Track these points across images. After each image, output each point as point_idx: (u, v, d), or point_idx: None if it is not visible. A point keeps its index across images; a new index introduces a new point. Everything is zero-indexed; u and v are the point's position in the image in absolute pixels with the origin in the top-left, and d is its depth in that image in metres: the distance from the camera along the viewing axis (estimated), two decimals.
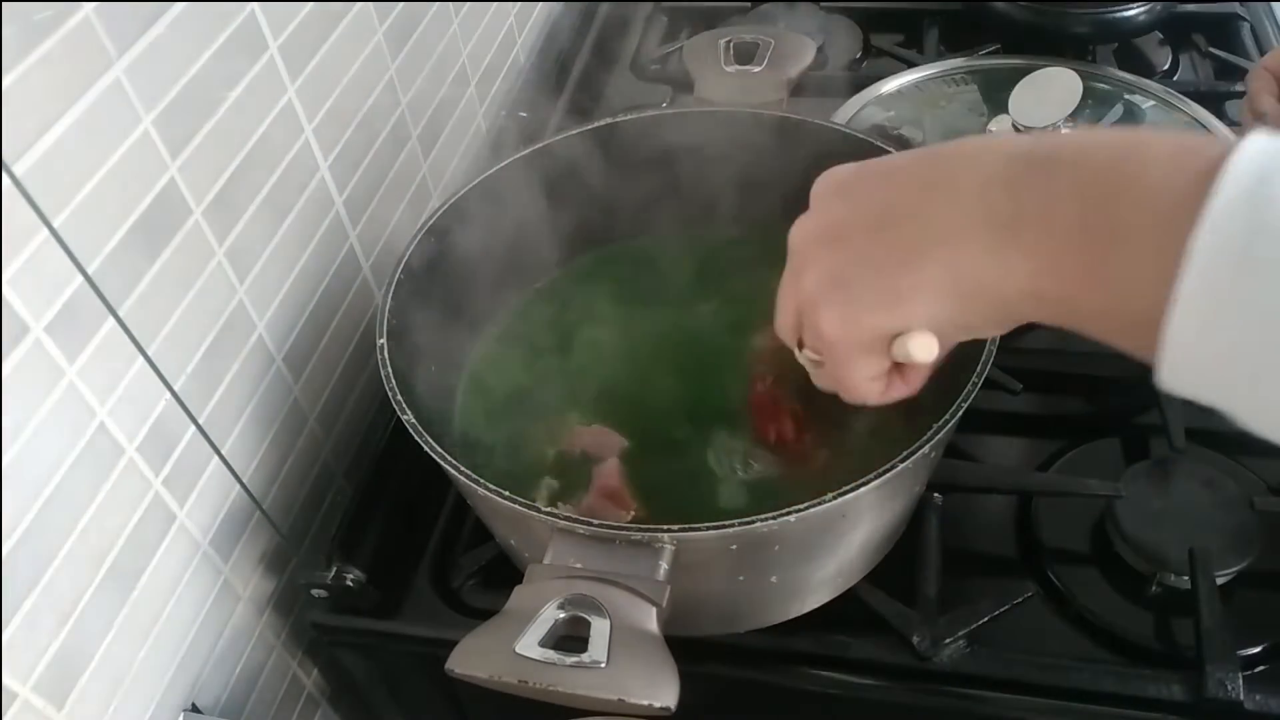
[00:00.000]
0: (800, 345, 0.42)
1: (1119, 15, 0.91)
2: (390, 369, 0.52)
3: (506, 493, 0.46)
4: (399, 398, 0.50)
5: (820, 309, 0.37)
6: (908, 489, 0.54)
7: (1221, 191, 0.27)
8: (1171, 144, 0.30)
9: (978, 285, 0.33)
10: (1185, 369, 0.29)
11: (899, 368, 0.39)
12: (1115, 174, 0.30)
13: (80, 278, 0.44)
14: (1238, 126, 0.76)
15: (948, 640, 0.54)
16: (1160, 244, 0.28)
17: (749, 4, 1.04)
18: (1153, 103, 0.79)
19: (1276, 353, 0.27)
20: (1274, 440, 0.29)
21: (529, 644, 0.42)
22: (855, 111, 0.81)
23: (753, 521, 0.43)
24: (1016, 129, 0.74)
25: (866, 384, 0.39)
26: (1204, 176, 0.27)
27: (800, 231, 0.39)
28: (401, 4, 0.70)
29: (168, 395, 0.51)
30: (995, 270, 0.32)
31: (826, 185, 0.39)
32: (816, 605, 0.55)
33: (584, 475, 0.57)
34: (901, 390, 0.40)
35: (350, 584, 0.59)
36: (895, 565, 0.57)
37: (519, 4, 0.94)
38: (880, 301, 0.36)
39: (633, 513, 0.54)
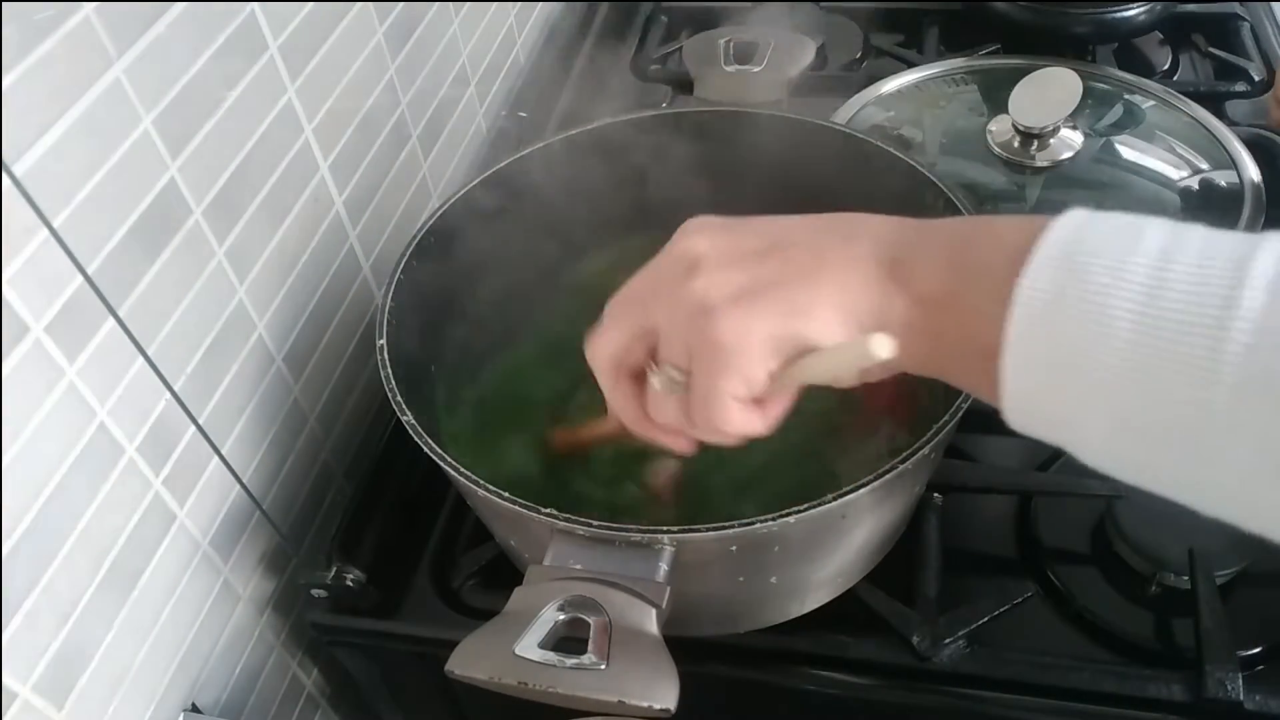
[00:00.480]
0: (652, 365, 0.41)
1: (1119, 15, 0.91)
2: (390, 369, 0.52)
3: (506, 493, 0.46)
4: (399, 398, 0.50)
5: (717, 314, 0.37)
6: (908, 489, 0.54)
7: (1040, 249, 0.31)
8: (1021, 216, 0.34)
9: (865, 311, 0.36)
10: (1019, 408, 0.33)
11: (757, 402, 0.39)
12: (976, 226, 0.36)
13: (80, 278, 0.44)
14: (1238, 126, 0.76)
15: (948, 640, 0.54)
16: (1003, 284, 0.32)
17: (749, 4, 1.04)
18: (1152, 103, 0.79)
19: (1081, 386, 0.31)
20: (1114, 477, 0.33)
21: (529, 645, 0.42)
22: (855, 111, 0.81)
23: (752, 522, 0.43)
24: (1016, 129, 0.74)
25: (733, 406, 0.38)
26: (1039, 234, 0.32)
27: (684, 246, 0.39)
28: (401, 4, 0.70)
29: (168, 395, 0.51)
30: (879, 298, 0.36)
31: (700, 221, 0.41)
32: (816, 605, 0.55)
33: None
34: (757, 424, 0.39)
35: (350, 584, 0.59)
36: (895, 565, 0.57)
37: (519, 4, 0.94)
38: (782, 311, 0.36)
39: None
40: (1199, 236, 0.30)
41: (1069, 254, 0.31)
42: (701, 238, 0.39)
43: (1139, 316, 0.29)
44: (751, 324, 0.36)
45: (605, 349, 0.42)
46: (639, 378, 0.42)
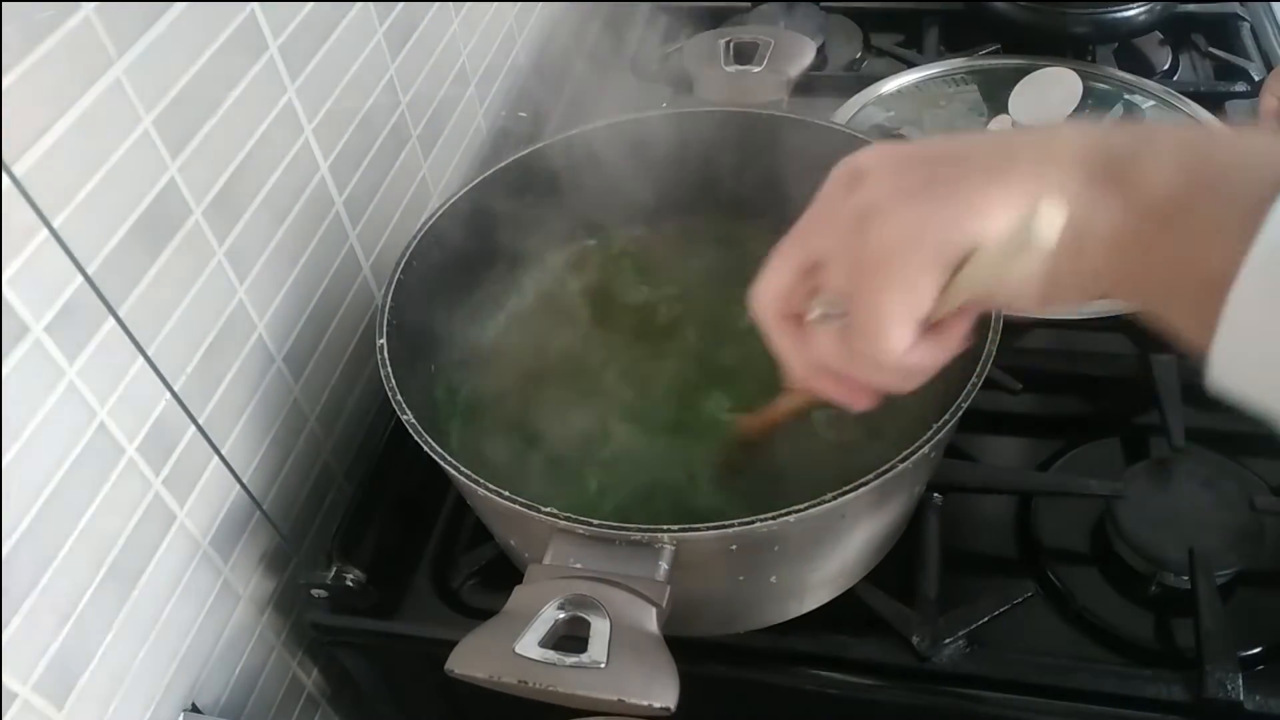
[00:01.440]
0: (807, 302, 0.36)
1: (1119, 15, 0.91)
2: (390, 369, 0.52)
3: (506, 492, 0.46)
4: (399, 398, 0.50)
5: (881, 216, 0.32)
6: (908, 489, 0.54)
7: None
8: (1268, 135, 0.30)
9: (1058, 212, 0.30)
10: (1236, 352, 0.28)
11: (929, 331, 0.34)
12: (1215, 137, 0.31)
13: (80, 278, 0.44)
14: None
15: (947, 640, 0.54)
16: (1250, 210, 0.27)
17: (749, 4, 1.04)
18: (1153, 103, 0.79)
19: None
20: None
21: (528, 644, 0.42)
22: (855, 111, 0.81)
23: (753, 521, 0.43)
24: (1017, 129, 0.74)
25: (896, 328, 0.33)
26: None
27: (847, 167, 0.34)
28: (401, 4, 0.70)
29: (168, 395, 0.51)
30: (1083, 200, 0.30)
31: (859, 152, 0.35)
32: (816, 605, 0.55)
33: None
34: (926, 355, 0.34)
35: (350, 584, 0.59)
36: (895, 565, 0.57)
37: (519, 4, 0.94)
38: (956, 209, 0.31)
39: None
40: None
41: None
42: (866, 155, 0.34)
43: None
44: (918, 225, 0.31)
45: (767, 292, 0.37)
46: (808, 328, 0.37)
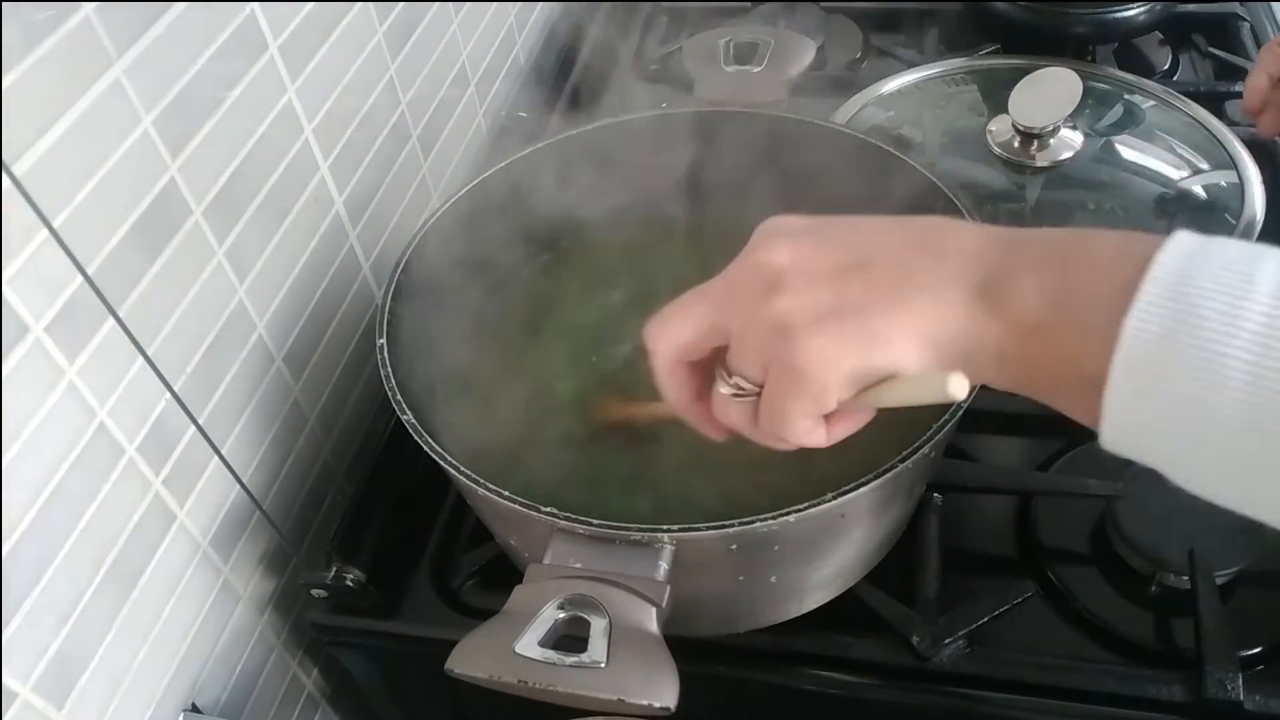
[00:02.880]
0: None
1: (1119, 15, 0.91)
2: (390, 369, 0.52)
3: (506, 492, 0.46)
4: (399, 398, 0.50)
5: (797, 338, 0.36)
6: (908, 489, 0.54)
7: (1148, 285, 0.30)
8: (1117, 235, 0.33)
9: (952, 339, 0.35)
10: (1121, 437, 0.32)
11: (826, 416, 0.39)
12: (1073, 247, 0.34)
13: (80, 278, 0.44)
14: (1238, 126, 0.76)
15: (947, 640, 0.54)
16: (1107, 316, 0.31)
17: (749, 4, 1.04)
18: (1152, 103, 0.79)
19: (1193, 430, 0.30)
20: (1206, 499, 0.33)
21: (529, 644, 0.42)
22: (855, 111, 0.81)
23: (753, 521, 0.43)
24: (1016, 129, 0.74)
25: (801, 423, 0.38)
26: (1142, 262, 0.31)
27: (765, 255, 0.38)
28: (401, 4, 0.71)
29: (168, 395, 0.51)
30: (969, 326, 0.34)
31: (780, 225, 0.39)
32: (816, 605, 0.55)
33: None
34: (820, 437, 0.39)
35: (350, 584, 0.59)
36: (895, 565, 0.57)
37: (519, 4, 0.94)
38: (864, 341, 0.35)
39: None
40: None
41: (1179, 293, 0.30)
42: (784, 248, 0.38)
43: (1254, 369, 0.28)
44: (832, 353, 0.36)
45: (671, 339, 0.41)
46: (694, 368, 0.42)
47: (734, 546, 0.46)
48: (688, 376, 0.42)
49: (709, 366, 0.41)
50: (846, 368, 0.36)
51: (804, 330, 0.36)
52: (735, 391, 0.39)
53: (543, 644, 0.42)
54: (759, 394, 0.39)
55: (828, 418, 0.39)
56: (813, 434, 0.39)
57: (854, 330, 0.35)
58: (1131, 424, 0.31)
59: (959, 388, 0.34)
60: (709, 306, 0.40)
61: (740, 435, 0.41)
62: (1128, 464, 0.60)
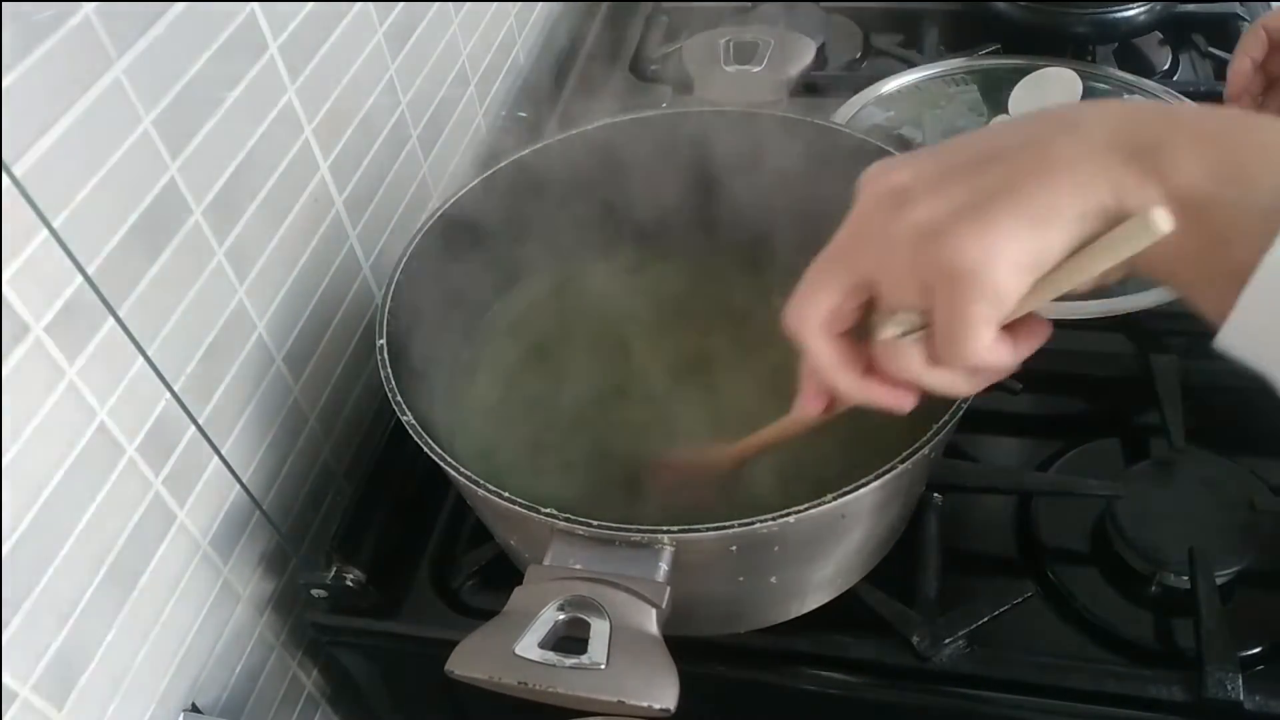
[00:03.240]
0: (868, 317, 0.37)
1: (1119, 15, 0.91)
2: (390, 369, 0.52)
3: (506, 493, 0.46)
4: (399, 398, 0.50)
5: (948, 236, 0.32)
6: (908, 489, 0.54)
7: None
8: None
9: (1117, 205, 0.31)
10: (1243, 338, 0.30)
11: (1005, 330, 0.35)
12: (1236, 126, 0.31)
13: (80, 278, 0.44)
14: None
15: (947, 640, 0.54)
16: (1273, 200, 0.28)
17: (749, 4, 1.04)
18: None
19: None
20: None
21: (529, 645, 0.42)
22: (855, 111, 0.81)
23: (753, 522, 0.43)
24: None
25: (986, 334, 0.34)
26: None
27: (881, 184, 0.35)
28: (401, 4, 0.70)
29: (168, 395, 0.51)
30: (1126, 194, 0.31)
31: (883, 162, 0.36)
32: (816, 605, 0.55)
33: None
34: (1008, 354, 0.35)
35: (350, 584, 0.59)
36: (895, 565, 0.57)
37: (519, 4, 0.94)
38: (1024, 221, 0.32)
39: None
40: None
41: None
42: (898, 170, 0.35)
43: None
44: (994, 241, 0.32)
45: (816, 313, 0.37)
46: (850, 341, 0.38)
47: (734, 547, 0.46)
48: (848, 351, 0.38)
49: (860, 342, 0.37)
50: (1016, 253, 0.32)
51: (955, 228, 0.32)
52: (903, 329, 0.35)
53: (543, 645, 0.42)
54: (927, 326, 0.35)
55: (1008, 333, 0.35)
56: (998, 350, 0.35)
57: (1011, 212, 0.32)
58: (1262, 326, 0.29)
59: (1163, 220, 0.30)
60: (840, 261, 0.37)
61: (926, 391, 0.38)
62: (1128, 464, 0.61)
